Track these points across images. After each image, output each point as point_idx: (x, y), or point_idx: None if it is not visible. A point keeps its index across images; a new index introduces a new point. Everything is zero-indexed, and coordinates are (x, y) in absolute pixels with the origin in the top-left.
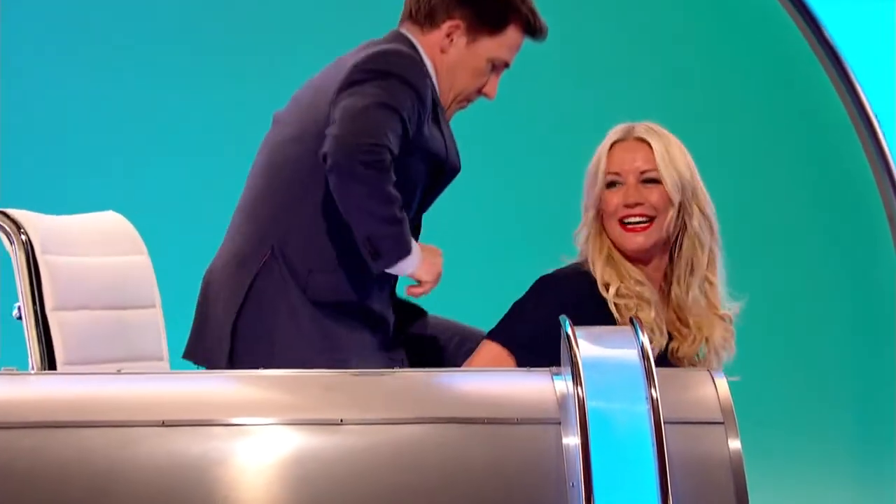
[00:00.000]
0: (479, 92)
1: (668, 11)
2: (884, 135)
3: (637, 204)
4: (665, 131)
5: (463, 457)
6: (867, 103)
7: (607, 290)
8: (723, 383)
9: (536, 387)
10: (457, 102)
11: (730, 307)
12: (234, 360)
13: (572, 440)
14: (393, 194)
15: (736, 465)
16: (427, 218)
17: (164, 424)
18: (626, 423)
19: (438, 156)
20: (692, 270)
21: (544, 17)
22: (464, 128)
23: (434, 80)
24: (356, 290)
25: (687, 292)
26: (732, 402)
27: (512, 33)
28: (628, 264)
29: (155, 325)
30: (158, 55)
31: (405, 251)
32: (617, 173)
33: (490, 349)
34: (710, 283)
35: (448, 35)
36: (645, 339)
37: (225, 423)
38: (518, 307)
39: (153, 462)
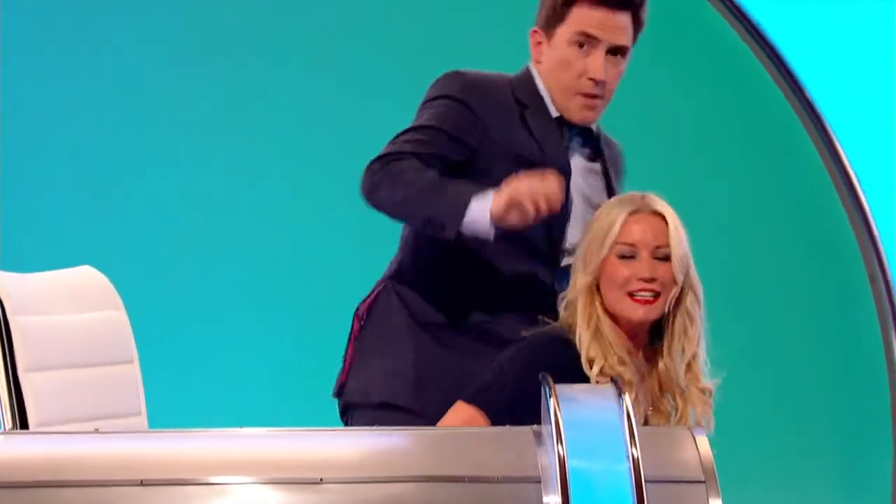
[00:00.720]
0: (588, 79)
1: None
2: (864, 193)
3: (652, 279)
4: (668, 205)
5: None
6: (846, 161)
7: (591, 366)
8: (704, 441)
9: (517, 445)
10: (575, 99)
11: (710, 381)
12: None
13: (553, 499)
14: (408, 169)
15: None
16: None
17: (142, 484)
18: (606, 482)
19: (529, 157)
20: (683, 346)
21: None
22: None
23: (541, 88)
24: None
25: (675, 367)
26: (714, 461)
27: (579, 10)
28: (614, 339)
29: (132, 380)
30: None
31: (461, 202)
32: (632, 245)
33: (465, 412)
34: (695, 357)
35: (536, 45)
36: (626, 397)
37: (204, 482)
38: (497, 370)
39: None
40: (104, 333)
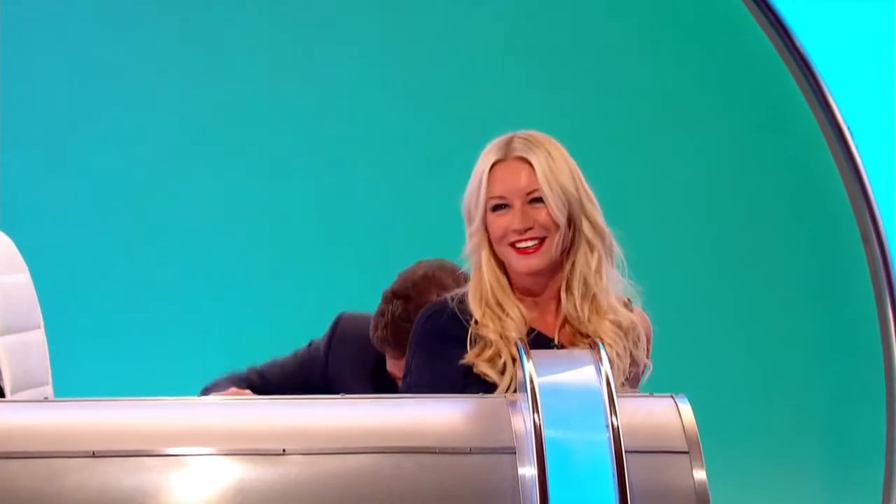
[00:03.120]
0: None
1: (631, 17)
2: (857, 149)
3: (527, 228)
4: (545, 138)
5: (413, 488)
6: (838, 114)
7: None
8: (687, 410)
9: (490, 414)
10: None
11: (632, 295)
12: None
13: (528, 471)
14: None
15: (701, 497)
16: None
17: (94, 455)
18: (585, 452)
19: None
20: (583, 283)
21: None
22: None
23: None
24: None
25: (577, 305)
26: (697, 430)
27: None
28: (501, 296)
29: (39, 348)
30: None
31: None
32: (502, 196)
33: None
34: (602, 291)
35: None
36: (606, 362)
37: (159, 453)
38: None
39: (83, 496)
40: (9, 297)
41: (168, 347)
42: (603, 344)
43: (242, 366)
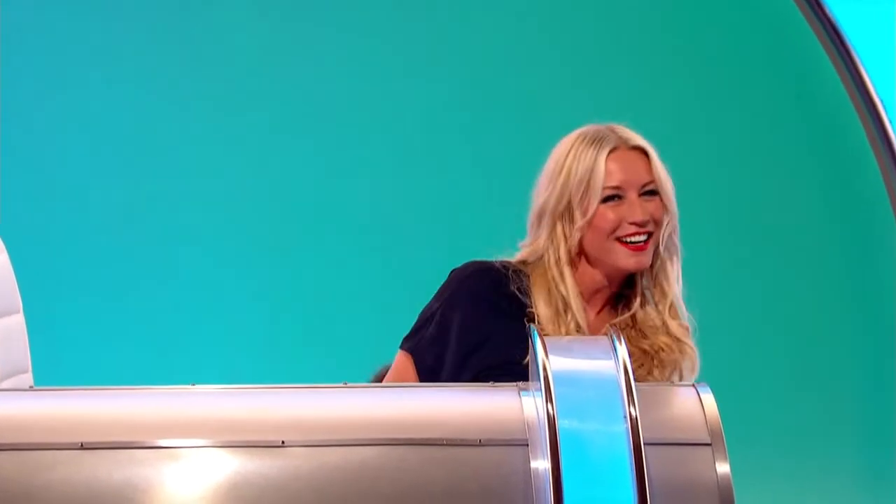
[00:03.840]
0: None
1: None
2: (892, 127)
3: (645, 222)
4: (638, 133)
5: (420, 482)
6: (874, 93)
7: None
8: (710, 399)
9: (501, 404)
10: None
11: (688, 318)
12: None
13: (541, 464)
14: None
15: (724, 491)
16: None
17: (82, 447)
18: (601, 444)
19: None
20: (663, 291)
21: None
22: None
23: None
24: None
25: (654, 311)
26: (721, 421)
27: None
28: (574, 297)
29: (19, 333)
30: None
31: None
32: (617, 187)
33: (398, 359)
34: (677, 297)
35: None
36: (623, 349)
37: (151, 445)
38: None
39: (71, 489)
40: None
41: (158, 334)
42: (657, 358)
43: (234, 353)
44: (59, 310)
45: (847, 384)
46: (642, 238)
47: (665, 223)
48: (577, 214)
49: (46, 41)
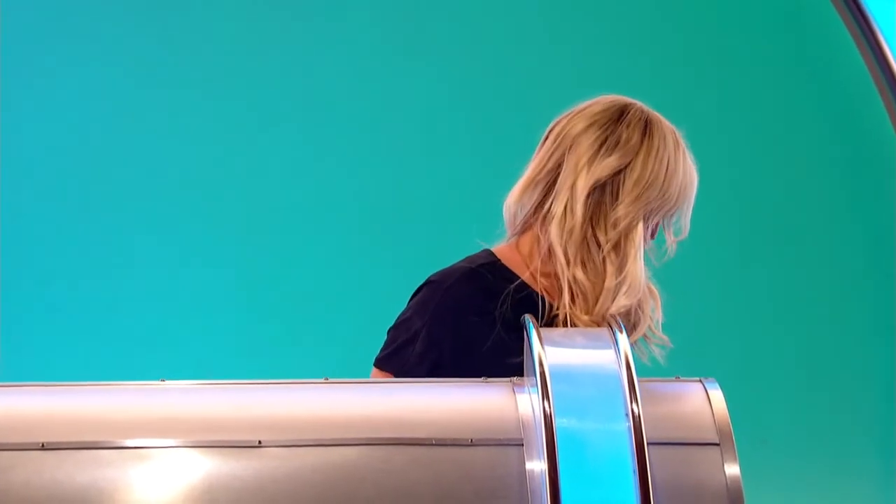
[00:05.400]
0: None
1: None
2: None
3: None
4: None
5: (406, 485)
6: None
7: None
8: (718, 396)
9: (495, 401)
10: None
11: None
12: None
13: (538, 465)
14: None
15: (734, 494)
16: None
17: (43, 447)
18: (602, 444)
19: None
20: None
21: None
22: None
23: None
24: None
25: None
26: (730, 419)
27: None
28: None
29: None
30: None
31: None
32: None
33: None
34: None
35: None
36: (625, 342)
37: (118, 445)
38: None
39: (31, 492)
40: None
41: (134, 329)
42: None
43: (213, 347)
44: (30, 303)
45: (862, 382)
46: None
47: None
48: (666, 222)
49: (47, 40)
